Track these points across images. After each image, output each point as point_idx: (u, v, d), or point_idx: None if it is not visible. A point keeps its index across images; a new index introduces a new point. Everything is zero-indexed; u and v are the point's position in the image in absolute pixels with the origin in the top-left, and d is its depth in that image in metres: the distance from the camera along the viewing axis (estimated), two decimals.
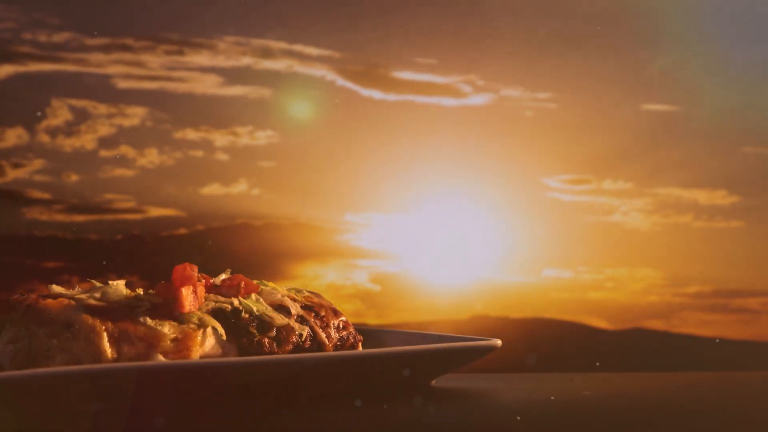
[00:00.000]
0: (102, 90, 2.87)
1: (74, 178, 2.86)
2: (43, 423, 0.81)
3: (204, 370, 0.88)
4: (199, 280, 0.99)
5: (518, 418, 0.85)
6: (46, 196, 2.85)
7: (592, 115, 2.89)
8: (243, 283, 1.03)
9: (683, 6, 2.83)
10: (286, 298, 1.04)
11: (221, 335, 0.96)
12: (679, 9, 2.82)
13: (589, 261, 2.96)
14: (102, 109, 2.87)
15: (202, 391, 0.90)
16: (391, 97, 2.91)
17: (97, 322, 0.91)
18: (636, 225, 2.96)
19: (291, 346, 1.00)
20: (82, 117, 2.85)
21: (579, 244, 2.97)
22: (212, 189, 2.91)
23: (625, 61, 2.85)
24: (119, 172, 2.89)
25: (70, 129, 2.86)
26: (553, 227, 2.95)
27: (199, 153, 2.90)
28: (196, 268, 0.98)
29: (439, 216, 2.95)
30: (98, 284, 0.97)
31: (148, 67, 2.85)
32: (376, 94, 2.91)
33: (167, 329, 0.93)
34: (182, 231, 2.92)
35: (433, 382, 1.06)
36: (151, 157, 2.90)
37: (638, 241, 2.96)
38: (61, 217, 2.85)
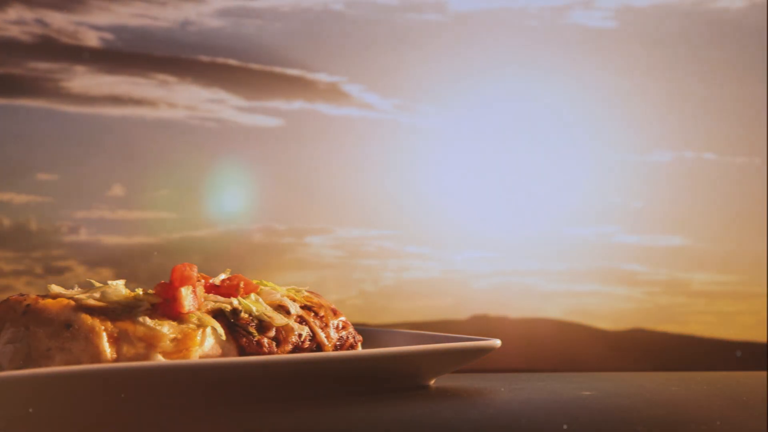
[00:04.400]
0: None
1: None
2: (43, 423, 0.81)
3: (204, 370, 0.88)
4: (198, 280, 0.99)
5: (518, 418, 0.85)
6: None
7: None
8: (242, 283, 1.02)
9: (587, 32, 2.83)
10: (285, 297, 1.04)
11: (221, 335, 0.96)
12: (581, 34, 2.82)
13: (589, 262, 2.96)
14: None
15: (202, 391, 0.90)
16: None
17: (97, 322, 0.91)
18: (631, 227, 2.96)
19: (290, 346, 1.00)
20: None
21: (578, 245, 2.97)
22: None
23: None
24: None
25: None
26: (550, 229, 2.95)
27: None
28: (195, 268, 0.98)
29: (438, 216, 2.95)
30: (98, 284, 0.97)
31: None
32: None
33: (167, 329, 0.93)
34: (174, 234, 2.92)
35: (433, 382, 1.06)
36: None
37: (637, 241, 2.97)
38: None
